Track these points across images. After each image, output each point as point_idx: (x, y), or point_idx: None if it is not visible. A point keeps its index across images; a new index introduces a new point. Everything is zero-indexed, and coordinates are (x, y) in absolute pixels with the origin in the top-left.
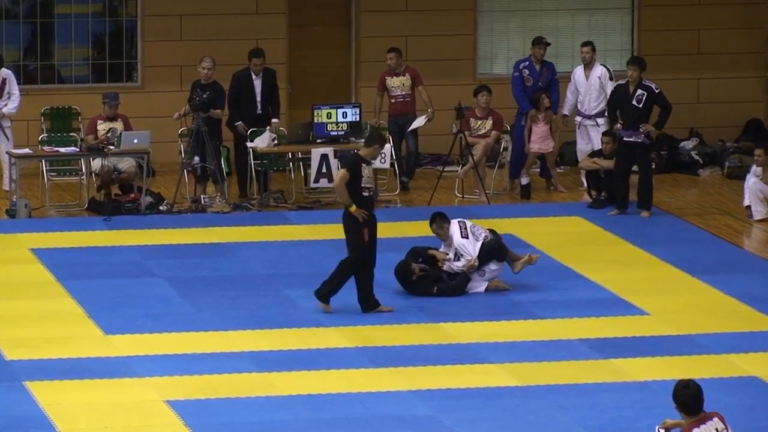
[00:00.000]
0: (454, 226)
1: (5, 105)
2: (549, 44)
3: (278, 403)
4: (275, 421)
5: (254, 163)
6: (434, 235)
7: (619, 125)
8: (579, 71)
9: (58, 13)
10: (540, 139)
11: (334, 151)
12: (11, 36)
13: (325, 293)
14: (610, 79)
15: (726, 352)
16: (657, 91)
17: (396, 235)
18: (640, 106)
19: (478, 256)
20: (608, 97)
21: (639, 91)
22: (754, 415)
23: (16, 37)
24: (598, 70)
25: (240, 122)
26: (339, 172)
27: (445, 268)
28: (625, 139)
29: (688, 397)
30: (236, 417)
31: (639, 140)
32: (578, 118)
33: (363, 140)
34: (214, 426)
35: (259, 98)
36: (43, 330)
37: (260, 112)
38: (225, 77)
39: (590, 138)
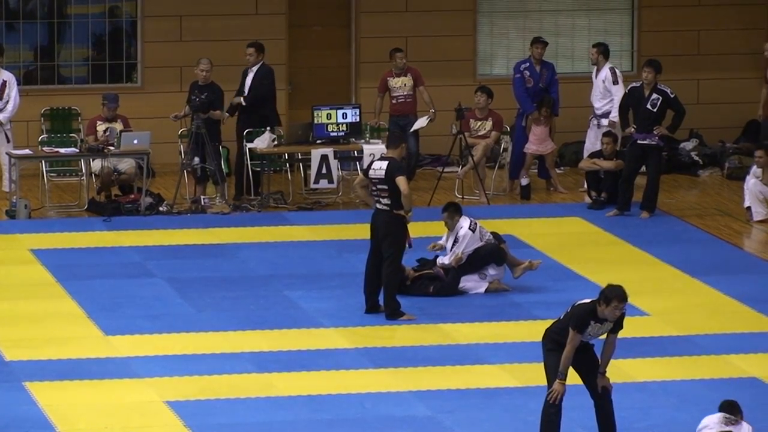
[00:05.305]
0: (464, 221)
1: (3, 108)
2: (547, 43)
3: (278, 404)
4: (275, 421)
5: (253, 164)
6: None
7: (632, 129)
8: (594, 70)
9: (58, 14)
10: (538, 141)
11: (334, 151)
12: (11, 37)
13: (393, 310)
14: (614, 83)
15: (726, 352)
16: (672, 96)
17: None
18: (655, 110)
19: (476, 258)
20: (620, 98)
21: (654, 95)
22: (754, 416)
23: (16, 38)
24: (604, 73)
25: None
26: (404, 179)
27: (437, 263)
28: (638, 141)
29: None
30: (236, 417)
31: (654, 142)
32: (591, 117)
33: (362, 141)
34: (214, 426)
35: (245, 91)
36: (43, 330)
37: (244, 104)
38: (224, 78)
39: (597, 138)
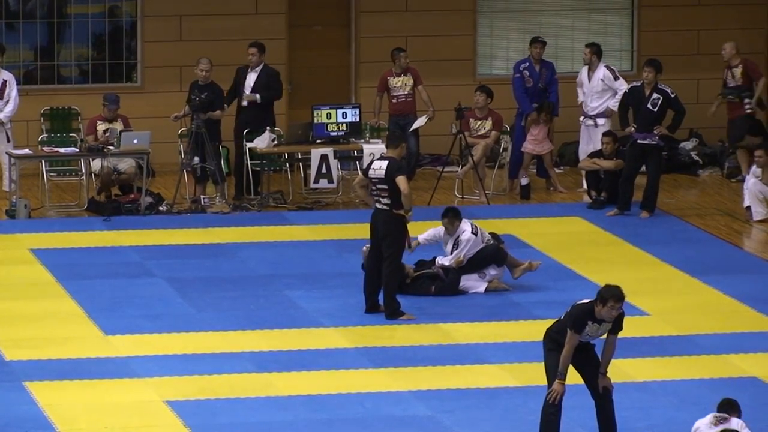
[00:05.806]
0: (466, 225)
1: (3, 108)
2: (546, 43)
3: (278, 404)
4: (274, 421)
5: (253, 164)
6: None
7: (632, 128)
8: (584, 71)
9: (58, 14)
10: (535, 141)
11: (334, 151)
12: (11, 36)
13: (394, 310)
14: (615, 79)
15: (726, 352)
16: (672, 96)
17: None
18: (655, 110)
19: (478, 259)
20: (621, 97)
21: (654, 95)
22: (754, 415)
23: (16, 38)
24: (600, 72)
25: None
26: (404, 179)
27: (436, 263)
28: (639, 141)
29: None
30: (236, 417)
31: (654, 142)
32: (581, 117)
33: (362, 140)
34: (214, 426)
35: (247, 90)
36: (43, 330)
37: (245, 104)
38: (224, 77)
39: (590, 138)
